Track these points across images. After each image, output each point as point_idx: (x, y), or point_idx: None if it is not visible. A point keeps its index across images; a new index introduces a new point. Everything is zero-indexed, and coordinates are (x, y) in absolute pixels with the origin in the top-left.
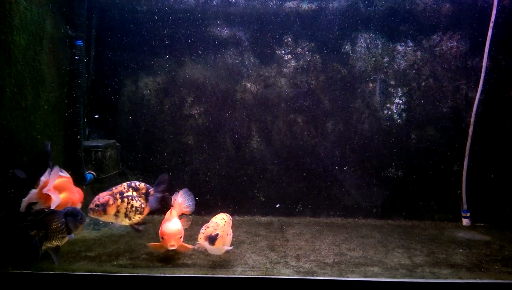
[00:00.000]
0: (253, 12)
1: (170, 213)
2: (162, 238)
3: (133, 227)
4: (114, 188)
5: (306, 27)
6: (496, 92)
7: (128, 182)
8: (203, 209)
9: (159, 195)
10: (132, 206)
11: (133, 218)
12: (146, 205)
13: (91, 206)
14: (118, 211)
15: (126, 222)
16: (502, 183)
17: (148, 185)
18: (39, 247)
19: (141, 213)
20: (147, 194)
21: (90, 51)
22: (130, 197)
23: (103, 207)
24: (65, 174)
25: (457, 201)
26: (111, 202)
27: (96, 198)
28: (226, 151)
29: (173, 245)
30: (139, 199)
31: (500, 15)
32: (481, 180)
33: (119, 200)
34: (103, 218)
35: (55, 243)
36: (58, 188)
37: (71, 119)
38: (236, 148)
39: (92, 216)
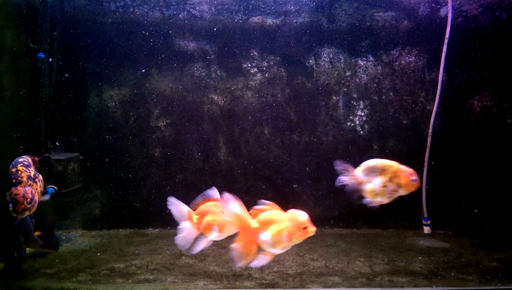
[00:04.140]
0: (219, 26)
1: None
2: (304, 228)
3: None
4: (19, 178)
5: (271, 41)
6: (452, 105)
7: (24, 165)
8: (170, 222)
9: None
10: (42, 181)
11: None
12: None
13: (26, 207)
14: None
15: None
16: (460, 191)
17: (32, 157)
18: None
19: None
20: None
21: (53, 63)
22: (37, 175)
23: (35, 201)
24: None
25: (418, 209)
26: (33, 192)
27: (20, 199)
28: (193, 163)
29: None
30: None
31: (454, 31)
32: (441, 189)
33: (35, 184)
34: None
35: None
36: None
37: (32, 133)
38: (203, 160)
39: (26, 213)
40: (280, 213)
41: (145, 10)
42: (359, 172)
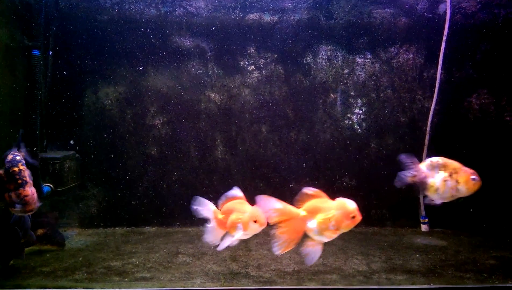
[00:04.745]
0: (216, 23)
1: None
2: (353, 217)
3: None
4: (23, 178)
5: (269, 38)
6: (450, 102)
7: (23, 164)
8: (167, 220)
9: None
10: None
11: None
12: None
13: (34, 207)
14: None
15: None
16: None
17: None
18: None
19: None
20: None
21: (48, 60)
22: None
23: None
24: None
25: (416, 207)
26: (36, 191)
27: (30, 200)
28: (190, 161)
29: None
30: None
31: (453, 29)
32: None
33: (32, 182)
34: None
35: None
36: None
37: (28, 130)
38: (200, 158)
39: (32, 212)
40: (328, 201)
41: (141, 7)
42: (423, 166)
